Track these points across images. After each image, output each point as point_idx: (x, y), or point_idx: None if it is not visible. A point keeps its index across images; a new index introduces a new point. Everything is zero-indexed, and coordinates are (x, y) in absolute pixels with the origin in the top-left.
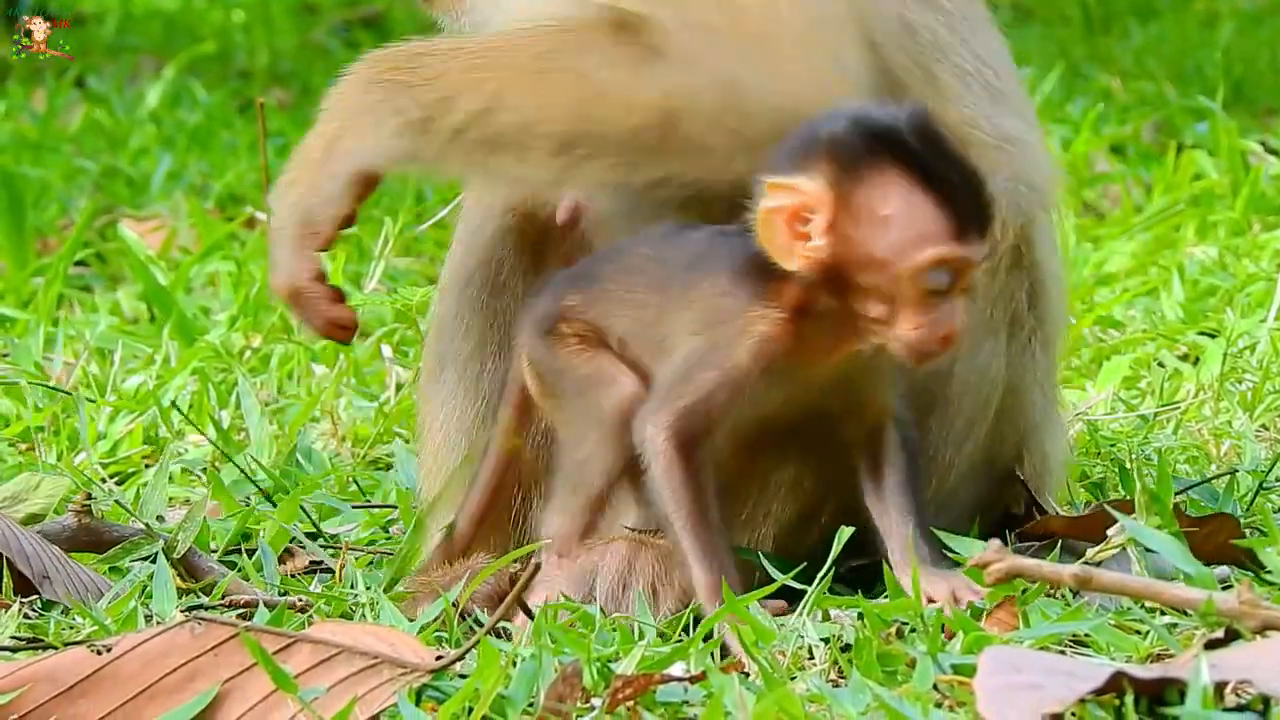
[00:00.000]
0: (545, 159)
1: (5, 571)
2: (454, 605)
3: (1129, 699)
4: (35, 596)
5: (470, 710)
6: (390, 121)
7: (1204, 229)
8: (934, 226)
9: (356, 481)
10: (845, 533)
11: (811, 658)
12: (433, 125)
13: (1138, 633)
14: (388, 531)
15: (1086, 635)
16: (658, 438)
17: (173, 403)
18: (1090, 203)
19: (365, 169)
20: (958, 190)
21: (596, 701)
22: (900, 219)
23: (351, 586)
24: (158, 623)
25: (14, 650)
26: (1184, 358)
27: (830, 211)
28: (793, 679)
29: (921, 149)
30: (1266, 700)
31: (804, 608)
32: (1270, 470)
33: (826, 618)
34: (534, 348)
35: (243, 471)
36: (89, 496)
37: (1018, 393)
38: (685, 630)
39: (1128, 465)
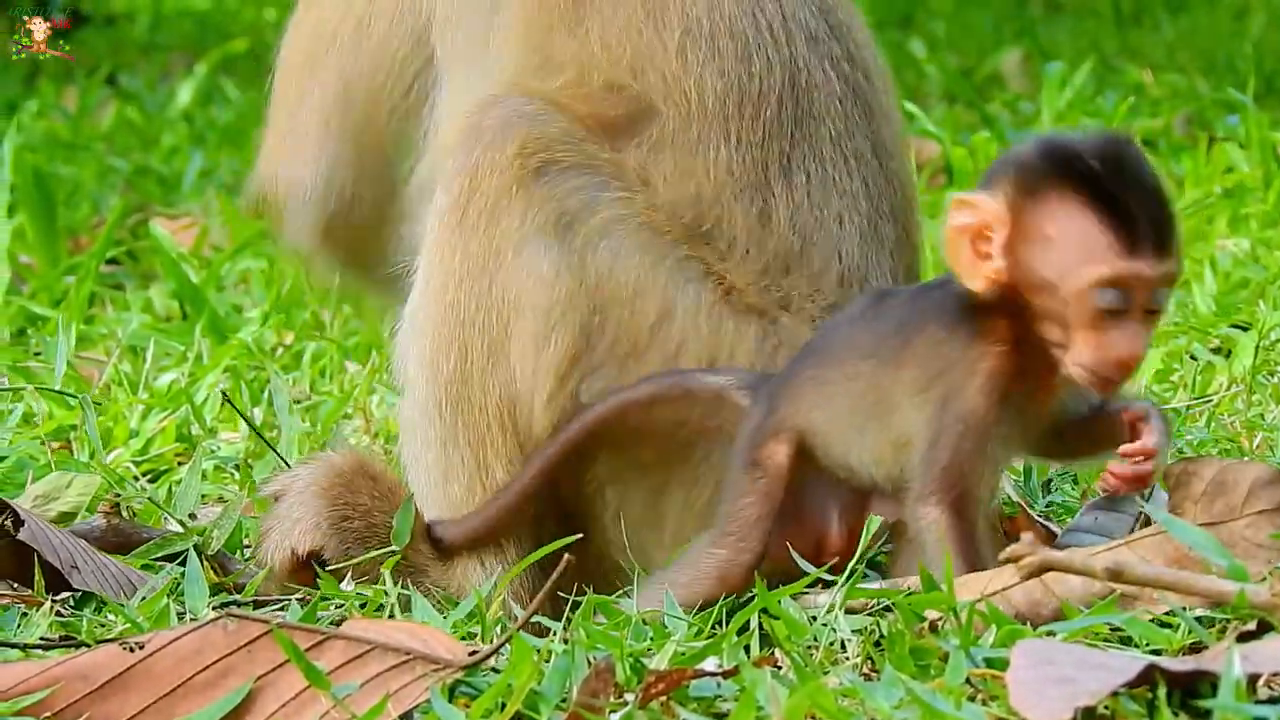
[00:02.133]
0: None
1: (36, 568)
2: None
3: (1161, 691)
4: (68, 595)
5: (503, 706)
6: None
7: (1235, 221)
8: (1099, 245)
9: None
10: (874, 521)
11: (844, 651)
12: None
13: (1170, 625)
14: None
15: (1119, 628)
16: (929, 513)
17: (222, 393)
18: None
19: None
20: (1131, 208)
21: (629, 697)
22: (1064, 238)
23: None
24: (190, 620)
25: (46, 648)
26: (1216, 351)
27: (1006, 230)
28: (825, 673)
29: (1102, 169)
30: None
31: (835, 601)
32: None
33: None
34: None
35: (282, 461)
36: (118, 497)
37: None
38: (718, 625)
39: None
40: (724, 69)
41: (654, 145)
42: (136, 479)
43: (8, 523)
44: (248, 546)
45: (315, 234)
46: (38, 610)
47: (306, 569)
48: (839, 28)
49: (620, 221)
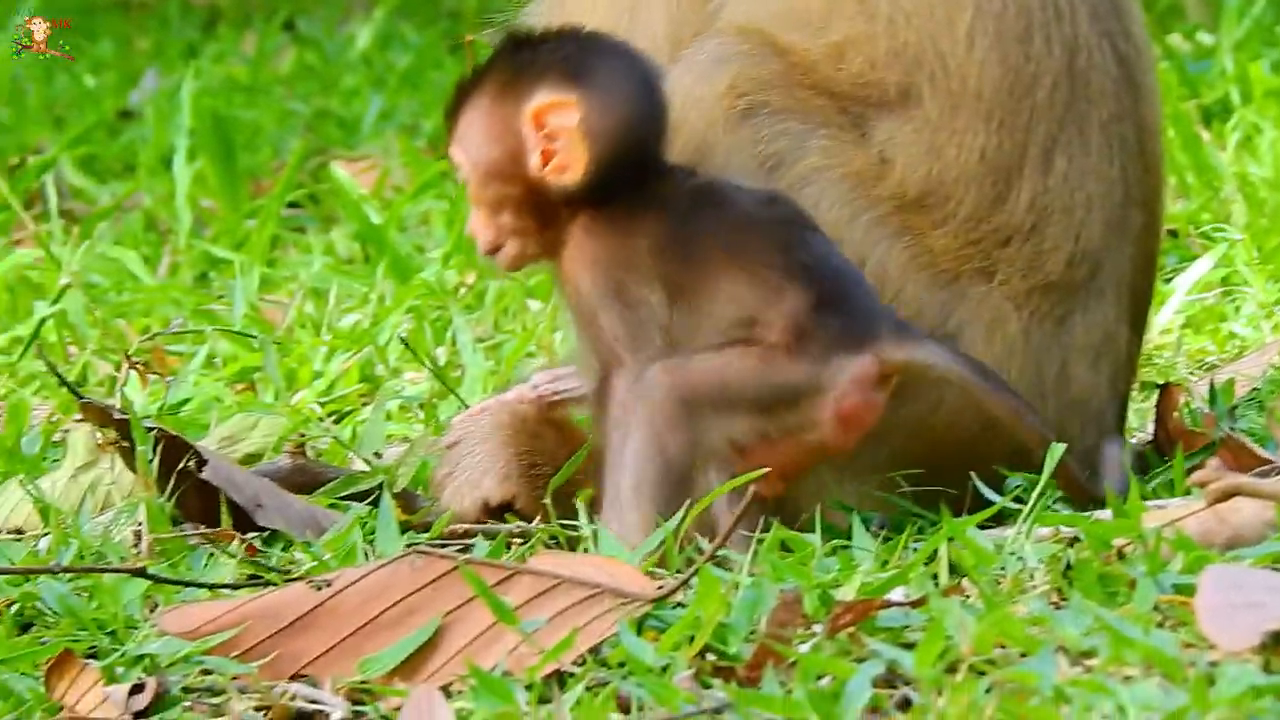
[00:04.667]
0: None
1: (221, 506)
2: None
3: None
4: (254, 535)
5: (692, 639)
6: None
7: None
8: None
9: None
10: (1058, 450)
11: (1032, 580)
12: None
13: None
14: None
15: None
16: None
17: (401, 339)
18: None
19: None
20: None
21: (818, 628)
22: None
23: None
24: (376, 558)
25: (235, 587)
26: None
27: None
28: (1013, 602)
29: None
30: None
31: (1023, 528)
32: None
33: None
34: None
35: (462, 404)
36: (303, 438)
37: None
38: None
39: None
40: (1005, 54)
41: (906, 128)
42: (321, 420)
43: (192, 463)
44: None
45: None
46: (227, 546)
47: (494, 516)
48: (1118, 1)
49: (824, 170)
